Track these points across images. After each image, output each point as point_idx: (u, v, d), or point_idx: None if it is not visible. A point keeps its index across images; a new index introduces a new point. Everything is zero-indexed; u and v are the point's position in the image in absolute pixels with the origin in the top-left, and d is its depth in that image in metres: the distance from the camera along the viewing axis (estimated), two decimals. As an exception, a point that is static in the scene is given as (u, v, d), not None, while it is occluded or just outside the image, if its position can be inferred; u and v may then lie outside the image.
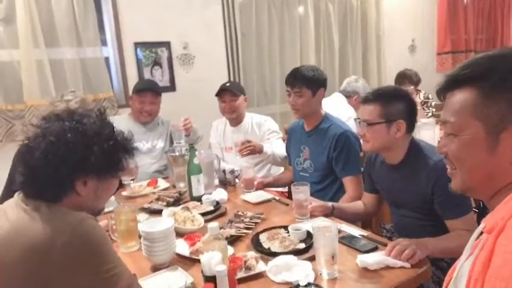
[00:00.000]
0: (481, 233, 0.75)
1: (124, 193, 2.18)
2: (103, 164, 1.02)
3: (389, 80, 4.27)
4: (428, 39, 5.14)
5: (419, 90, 3.97)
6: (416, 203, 1.58)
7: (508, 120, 0.71)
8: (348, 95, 3.26)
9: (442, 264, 1.52)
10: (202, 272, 1.11)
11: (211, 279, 1.05)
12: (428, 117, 3.51)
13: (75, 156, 0.98)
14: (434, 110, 3.88)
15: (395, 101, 1.58)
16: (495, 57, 0.75)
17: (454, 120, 0.78)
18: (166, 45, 3.42)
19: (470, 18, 5.38)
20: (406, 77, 3.84)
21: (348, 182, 2.00)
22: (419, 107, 3.25)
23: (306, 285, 1.13)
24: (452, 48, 5.27)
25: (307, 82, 2.03)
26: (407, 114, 1.59)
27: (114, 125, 1.11)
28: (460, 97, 0.77)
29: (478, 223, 1.47)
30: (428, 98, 3.93)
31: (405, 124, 1.56)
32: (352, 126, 2.79)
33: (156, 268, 1.35)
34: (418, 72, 3.90)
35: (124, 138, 1.10)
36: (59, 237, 0.91)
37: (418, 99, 3.87)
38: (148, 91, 2.63)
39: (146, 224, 1.43)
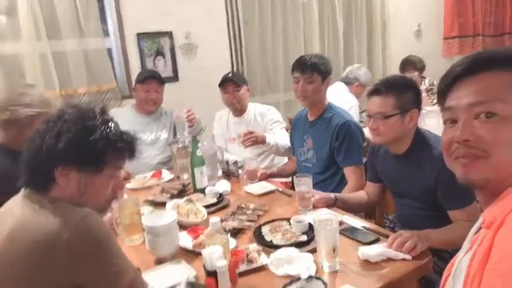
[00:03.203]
0: (480, 227, 0.75)
1: (128, 185, 2.20)
2: (79, 155, 0.99)
3: (394, 67, 4.22)
4: (434, 24, 5.05)
5: (424, 77, 3.92)
6: (419, 192, 1.58)
7: None
8: (349, 81, 3.26)
9: (444, 255, 1.52)
10: (204, 266, 1.13)
11: (212, 273, 1.06)
12: (433, 105, 3.48)
13: (47, 142, 0.99)
14: (439, 97, 3.84)
15: (407, 91, 1.57)
16: None
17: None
18: (169, 35, 3.39)
19: (478, 1, 5.27)
20: (410, 63, 3.81)
21: (350, 172, 2.00)
22: (424, 94, 3.22)
23: (307, 278, 1.14)
24: (459, 32, 5.17)
25: (318, 68, 2.03)
26: (417, 103, 1.58)
27: (116, 119, 1.11)
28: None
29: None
30: (433, 85, 3.89)
31: (418, 113, 1.55)
32: (355, 115, 2.78)
33: (159, 261, 1.36)
34: (422, 59, 3.85)
35: (118, 135, 1.06)
36: (63, 233, 0.91)
37: (423, 86, 3.83)
38: (153, 79, 2.64)
39: (149, 218, 1.44)
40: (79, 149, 0.99)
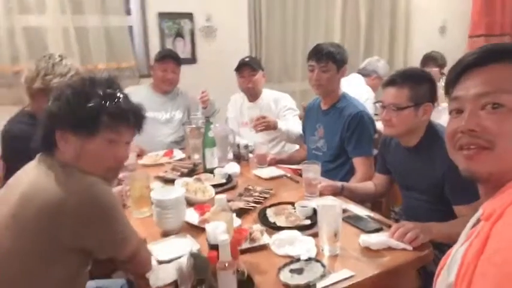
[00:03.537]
0: (478, 221, 0.75)
1: (141, 161, 2.26)
2: (72, 118, 1.02)
3: (415, 61, 4.15)
4: (460, 21, 4.92)
5: (444, 74, 3.86)
6: (427, 186, 1.58)
7: None
8: (367, 73, 3.22)
9: (445, 248, 1.51)
10: (207, 240, 1.16)
11: (215, 247, 1.09)
12: (451, 102, 3.42)
13: (48, 107, 1.05)
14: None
15: (422, 84, 1.56)
16: None
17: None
18: (189, 16, 3.41)
19: (508, 0, 5.10)
20: (432, 59, 3.76)
21: (359, 162, 2.01)
22: (442, 91, 3.17)
23: (306, 260, 1.17)
24: (486, 31, 5.02)
25: (333, 57, 2.03)
26: (432, 97, 1.57)
27: (133, 97, 1.13)
28: None
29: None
30: (453, 82, 3.82)
31: (432, 107, 1.54)
32: (370, 108, 2.76)
33: (166, 234, 1.41)
34: (444, 55, 3.78)
35: (116, 102, 1.07)
36: (70, 199, 0.95)
37: (442, 82, 3.77)
38: (170, 58, 2.69)
39: (158, 191, 1.49)
40: (71, 112, 1.02)
